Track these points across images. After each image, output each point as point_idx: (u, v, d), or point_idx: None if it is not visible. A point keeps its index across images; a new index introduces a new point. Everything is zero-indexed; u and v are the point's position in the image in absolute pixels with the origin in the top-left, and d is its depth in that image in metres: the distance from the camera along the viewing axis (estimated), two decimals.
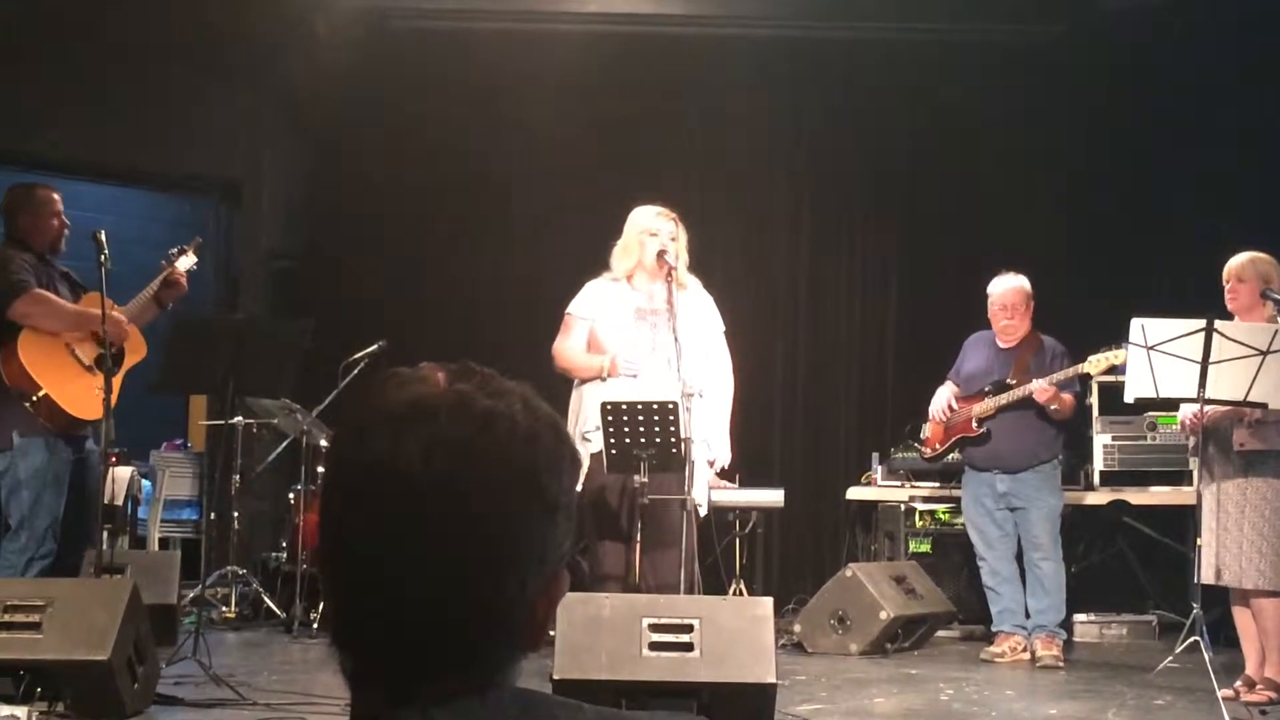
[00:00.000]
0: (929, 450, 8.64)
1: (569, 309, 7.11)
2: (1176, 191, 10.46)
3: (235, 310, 10.60)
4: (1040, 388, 7.87)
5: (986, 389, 8.21)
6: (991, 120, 10.81)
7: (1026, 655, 8.00)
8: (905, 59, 10.77)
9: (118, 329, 6.71)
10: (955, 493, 9.08)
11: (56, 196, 7.08)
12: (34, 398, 6.65)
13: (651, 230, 6.96)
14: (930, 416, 8.52)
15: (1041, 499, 8.11)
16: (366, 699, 1.37)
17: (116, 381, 6.71)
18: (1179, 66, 10.13)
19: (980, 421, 8.19)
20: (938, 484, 9.44)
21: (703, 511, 7.10)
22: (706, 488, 7.08)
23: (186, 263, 7.22)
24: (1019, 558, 8.20)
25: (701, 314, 7.05)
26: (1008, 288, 8.27)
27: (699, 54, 10.82)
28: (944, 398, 8.42)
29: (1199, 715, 6.00)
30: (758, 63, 10.78)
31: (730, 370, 7.15)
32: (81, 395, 6.75)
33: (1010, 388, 8.07)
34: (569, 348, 7.03)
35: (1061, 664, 7.83)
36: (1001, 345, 8.31)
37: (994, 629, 8.24)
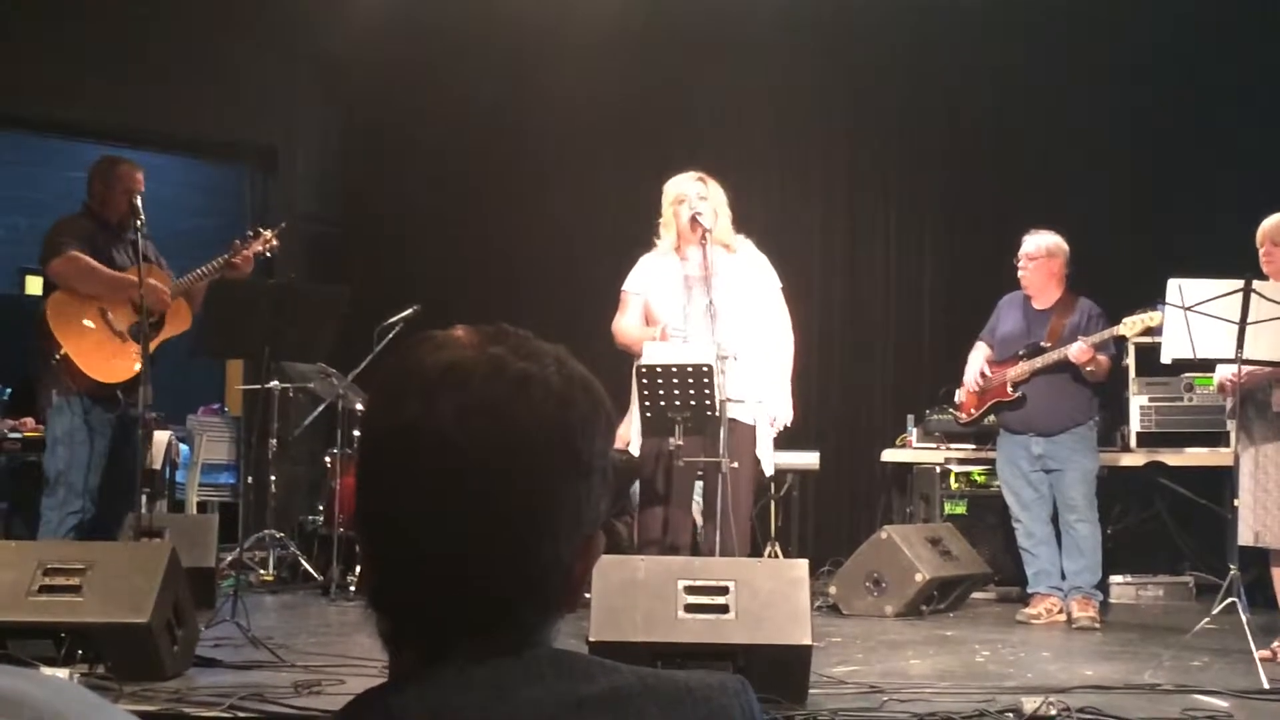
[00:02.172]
0: (964, 415, 8.60)
1: (624, 286, 7.23)
2: (1221, 150, 10.35)
3: (271, 275, 10.63)
4: (1080, 349, 7.81)
5: (1020, 353, 8.16)
6: (1031, 81, 10.73)
7: (1062, 617, 7.98)
8: (945, 17, 10.69)
9: (156, 296, 6.82)
10: (991, 455, 9.05)
11: (137, 175, 7.24)
12: (56, 357, 6.82)
13: (680, 198, 7.03)
14: (964, 385, 8.50)
15: (1077, 461, 8.09)
16: (404, 660, 1.38)
17: (149, 348, 6.86)
18: (1223, 23, 10.05)
19: (1015, 385, 8.15)
20: (973, 446, 9.41)
21: (768, 471, 7.20)
22: (770, 447, 7.15)
23: (261, 245, 7.37)
24: (1054, 519, 8.18)
25: (754, 274, 7.12)
26: (1029, 240, 8.24)
27: (736, 13, 10.77)
28: (976, 365, 8.39)
29: (1236, 676, 5.98)
30: (795, 21, 10.72)
31: (788, 328, 7.22)
32: (104, 359, 6.91)
33: (1044, 350, 8.03)
34: (626, 324, 7.16)
35: (1098, 625, 7.82)
36: (1036, 307, 8.26)
37: (1029, 590, 8.22)
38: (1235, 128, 10.24)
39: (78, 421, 6.96)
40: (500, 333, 1.40)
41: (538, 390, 1.35)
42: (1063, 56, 10.64)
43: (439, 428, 1.32)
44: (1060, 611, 8.02)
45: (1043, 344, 8.07)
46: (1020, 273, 8.24)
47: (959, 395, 8.63)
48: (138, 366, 6.87)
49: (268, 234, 7.44)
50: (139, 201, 6.84)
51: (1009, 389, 8.17)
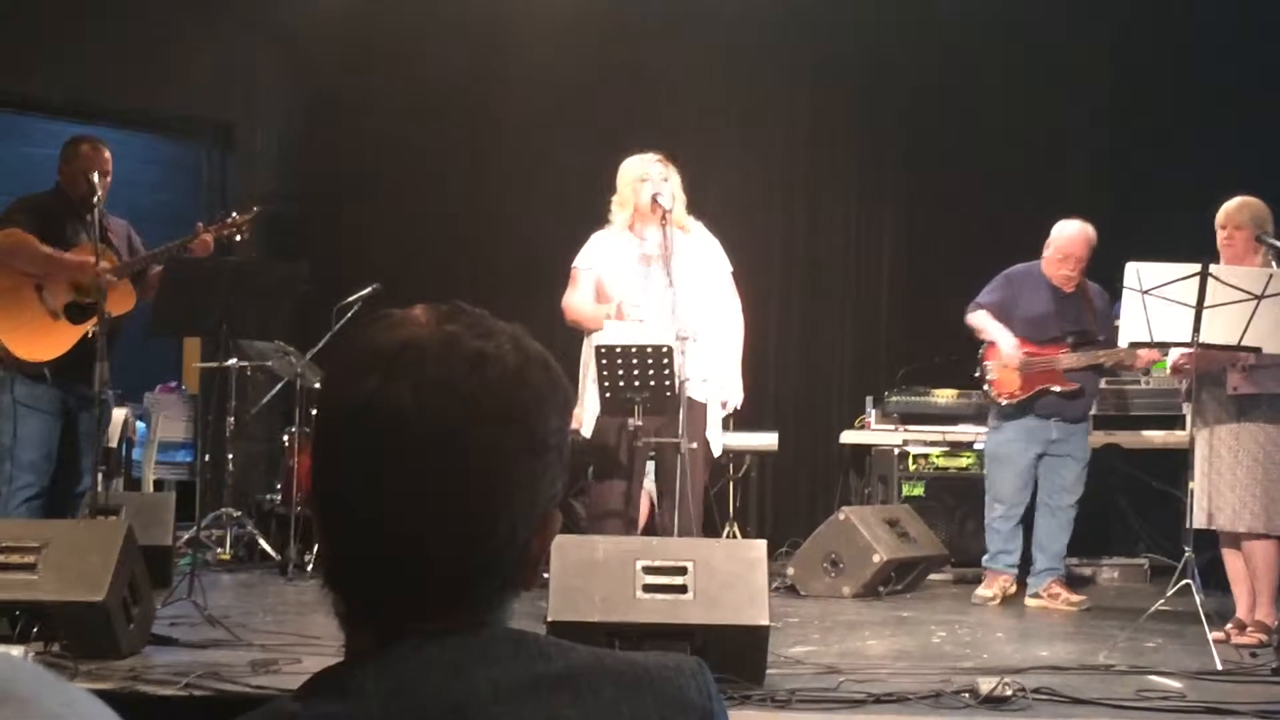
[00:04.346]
0: (1006, 397, 8.07)
1: (574, 263, 7.20)
2: (1177, 129, 10.39)
3: (229, 253, 10.58)
4: (1143, 357, 7.75)
5: (1070, 340, 7.94)
6: (990, 63, 10.73)
7: (1013, 592, 8.02)
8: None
9: (87, 274, 6.78)
10: (949, 436, 9.11)
11: (100, 155, 7.11)
12: None
13: (642, 176, 7.04)
14: (1007, 363, 8.00)
15: (1084, 446, 8.09)
16: (360, 639, 1.38)
17: (82, 329, 6.85)
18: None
19: (1068, 374, 7.95)
20: (931, 427, 9.44)
21: (716, 452, 7.21)
22: (719, 429, 7.17)
23: (226, 230, 7.33)
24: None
25: (706, 256, 7.13)
26: (1077, 237, 7.95)
27: None
28: (1010, 339, 7.98)
29: (1190, 657, 6.03)
30: (755, 4, 10.70)
31: (739, 311, 7.23)
32: (29, 336, 6.87)
33: (1096, 341, 7.89)
34: (576, 300, 7.13)
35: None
36: (1065, 291, 8.02)
37: (987, 566, 8.18)
38: (1196, 119, 10.29)
39: (15, 397, 6.94)
40: (456, 311, 1.40)
41: (493, 368, 1.35)
42: (1027, 12, 10.63)
43: (395, 405, 1.32)
44: (1013, 589, 8.04)
45: (1099, 336, 7.92)
46: (1066, 273, 7.96)
47: (989, 370, 8.14)
48: (68, 346, 6.87)
49: (239, 218, 7.37)
50: (95, 178, 6.78)
51: (1063, 377, 7.95)
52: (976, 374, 8.21)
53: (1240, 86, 10.09)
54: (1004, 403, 8.07)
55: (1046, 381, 7.97)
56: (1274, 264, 6.73)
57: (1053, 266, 8.01)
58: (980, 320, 8.12)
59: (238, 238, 7.49)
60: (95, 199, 6.76)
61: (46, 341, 6.90)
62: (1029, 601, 8.00)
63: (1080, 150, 10.77)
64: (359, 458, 1.34)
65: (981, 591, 8.12)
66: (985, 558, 8.23)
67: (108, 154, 7.14)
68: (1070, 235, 7.97)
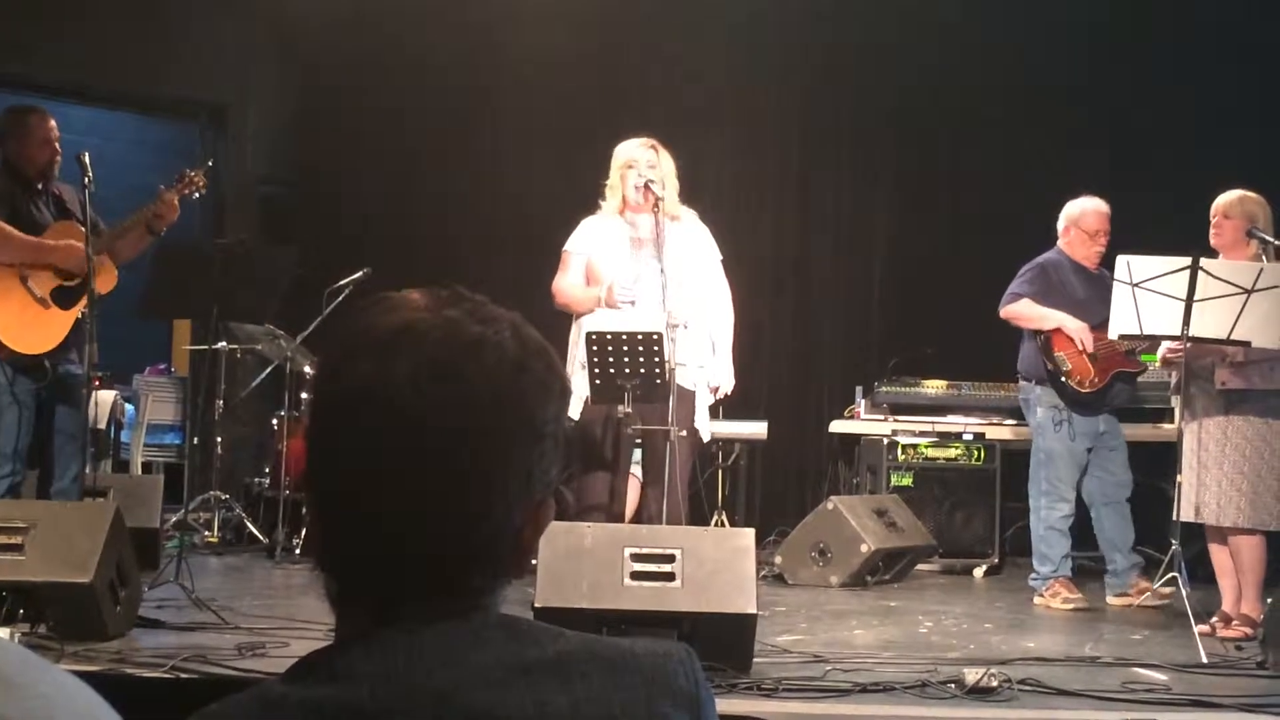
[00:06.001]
0: (1087, 384, 7.72)
1: (565, 246, 7.22)
2: (1176, 110, 10.37)
3: (221, 235, 10.56)
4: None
5: None
6: (988, 60, 10.70)
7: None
8: None
9: (77, 258, 6.69)
10: (938, 426, 9.10)
11: (50, 124, 7.01)
12: None
13: (630, 163, 7.05)
14: (1081, 347, 7.66)
15: (1123, 436, 7.95)
16: (351, 622, 1.38)
17: (74, 313, 6.78)
18: None
19: (1128, 355, 7.73)
20: (920, 418, 9.45)
21: (705, 438, 7.24)
22: (707, 416, 7.21)
23: (186, 188, 7.18)
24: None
25: (697, 245, 7.14)
26: (1105, 211, 7.80)
27: None
28: (1081, 324, 7.65)
29: (1175, 650, 6.04)
30: None
31: (729, 299, 7.26)
32: (24, 328, 6.76)
33: None
34: (567, 284, 7.14)
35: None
36: (1091, 272, 7.81)
37: (1056, 574, 7.67)
38: (1191, 84, 10.27)
39: (11, 389, 6.82)
40: (456, 296, 1.40)
41: (492, 354, 1.35)
42: (1021, 11, 10.60)
43: (392, 389, 1.32)
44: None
45: None
46: (1098, 249, 7.78)
47: (1063, 362, 7.74)
48: (65, 333, 6.81)
49: (193, 174, 7.26)
50: (87, 158, 6.69)
51: (1129, 359, 7.73)
52: (1049, 366, 7.74)
53: (1241, 85, 10.08)
54: (1086, 389, 7.71)
55: (1120, 365, 7.73)
56: (1264, 258, 6.74)
57: (1085, 246, 7.80)
58: (1028, 309, 7.74)
59: (196, 194, 7.36)
60: (88, 178, 6.63)
61: (43, 332, 6.80)
62: (1114, 600, 7.66)
63: (1079, 147, 10.75)
64: (354, 440, 1.34)
65: (1063, 605, 7.55)
66: (1049, 569, 7.71)
67: (53, 121, 7.07)
68: (1102, 210, 7.82)
